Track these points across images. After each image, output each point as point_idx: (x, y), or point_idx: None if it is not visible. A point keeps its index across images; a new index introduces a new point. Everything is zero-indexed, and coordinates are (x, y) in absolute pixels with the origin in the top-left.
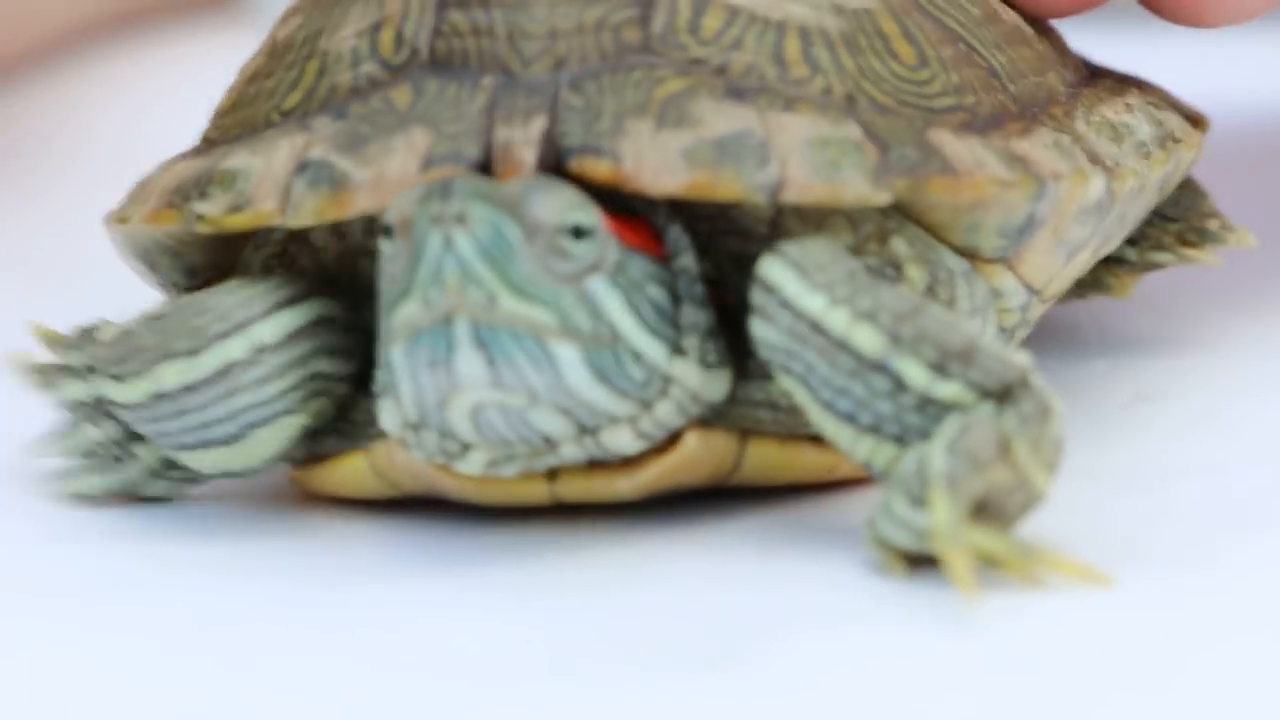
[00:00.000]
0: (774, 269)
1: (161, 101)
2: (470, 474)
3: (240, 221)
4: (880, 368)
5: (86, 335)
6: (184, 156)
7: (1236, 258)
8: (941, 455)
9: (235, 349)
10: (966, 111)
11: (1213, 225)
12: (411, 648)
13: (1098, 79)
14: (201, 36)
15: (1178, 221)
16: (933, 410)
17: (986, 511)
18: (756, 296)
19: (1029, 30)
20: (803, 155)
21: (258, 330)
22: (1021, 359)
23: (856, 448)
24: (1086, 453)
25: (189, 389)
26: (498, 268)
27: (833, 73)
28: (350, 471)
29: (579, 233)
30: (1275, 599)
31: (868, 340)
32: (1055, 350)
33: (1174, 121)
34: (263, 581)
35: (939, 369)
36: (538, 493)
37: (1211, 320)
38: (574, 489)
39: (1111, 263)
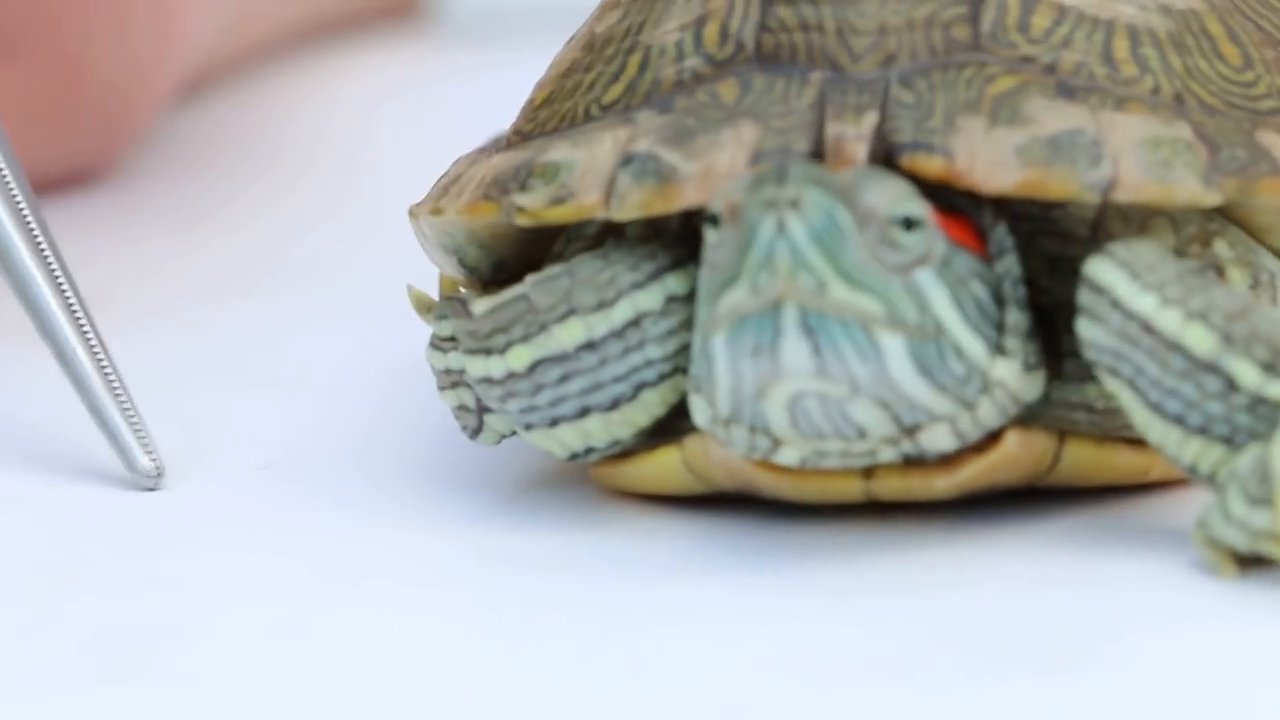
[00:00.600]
0: (1104, 270)
1: (351, 106)
2: (788, 465)
3: (562, 214)
4: (1213, 368)
5: (456, 306)
6: (495, 150)
7: None
8: None
9: (649, 299)
10: None
11: None
12: (731, 648)
13: None
14: (387, 44)
15: None
16: (1264, 410)
17: None
18: (1085, 297)
19: None
20: (1135, 155)
21: (668, 281)
22: None
23: (1184, 449)
24: None
25: (590, 346)
26: (829, 254)
27: (1161, 72)
28: (661, 466)
29: (909, 224)
30: None
31: (1200, 340)
32: None
33: None
34: (580, 577)
35: (1271, 369)
36: (853, 490)
37: None
38: (890, 486)
39: None
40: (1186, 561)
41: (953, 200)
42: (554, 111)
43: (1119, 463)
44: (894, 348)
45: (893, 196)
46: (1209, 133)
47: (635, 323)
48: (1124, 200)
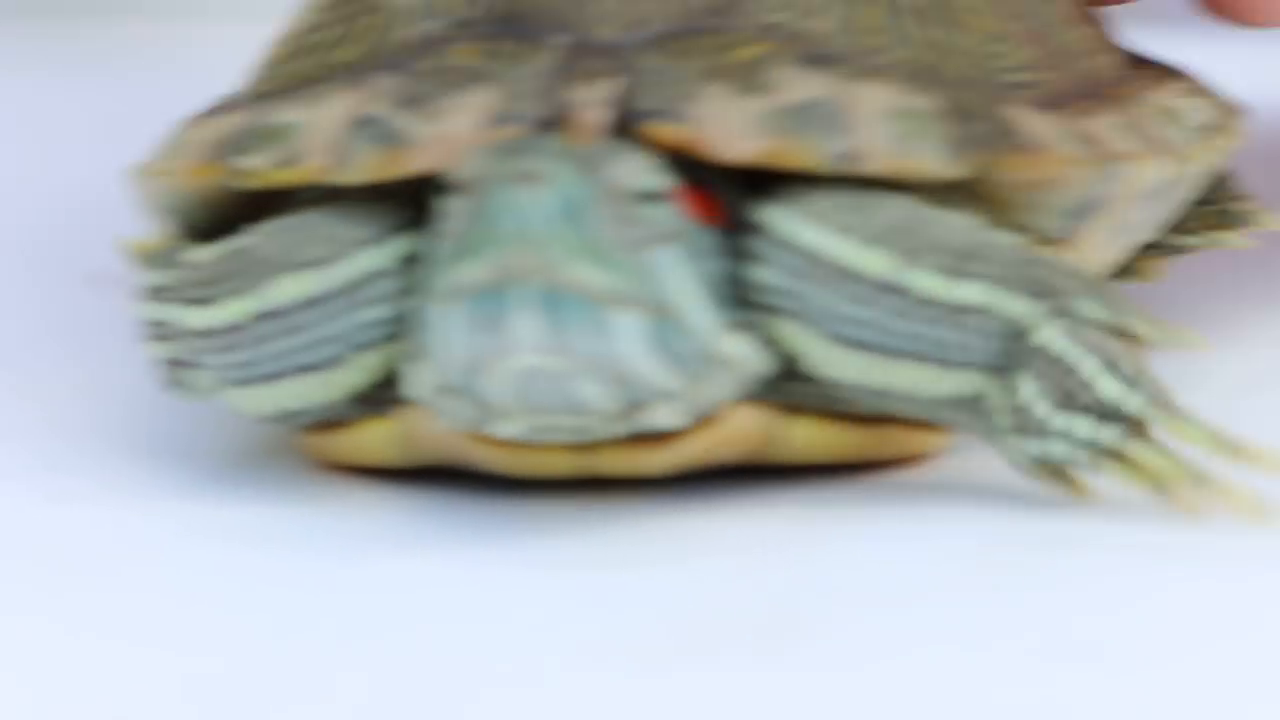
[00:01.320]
0: (773, 212)
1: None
2: (507, 439)
3: (289, 177)
4: (894, 288)
5: (176, 255)
6: (226, 109)
7: (1250, 255)
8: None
9: (373, 259)
10: (1038, 88)
11: (1242, 207)
12: (438, 625)
13: (1141, 65)
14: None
15: (1207, 204)
16: (971, 321)
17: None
18: (756, 243)
19: (1079, 13)
20: (879, 125)
21: (397, 243)
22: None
23: (893, 376)
24: None
25: (310, 303)
26: (566, 231)
27: (910, 44)
28: (372, 437)
29: (651, 198)
30: None
31: (877, 262)
32: None
33: (1217, 110)
34: (277, 550)
35: (955, 272)
36: (572, 465)
37: (1228, 311)
38: (611, 462)
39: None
40: (901, 540)
41: (700, 173)
42: (288, 70)
43: (846, 441)
44: (626, 325)
45: (635, 171)
46: (956, 105)
47: (358, 282)
48: (867, 172)
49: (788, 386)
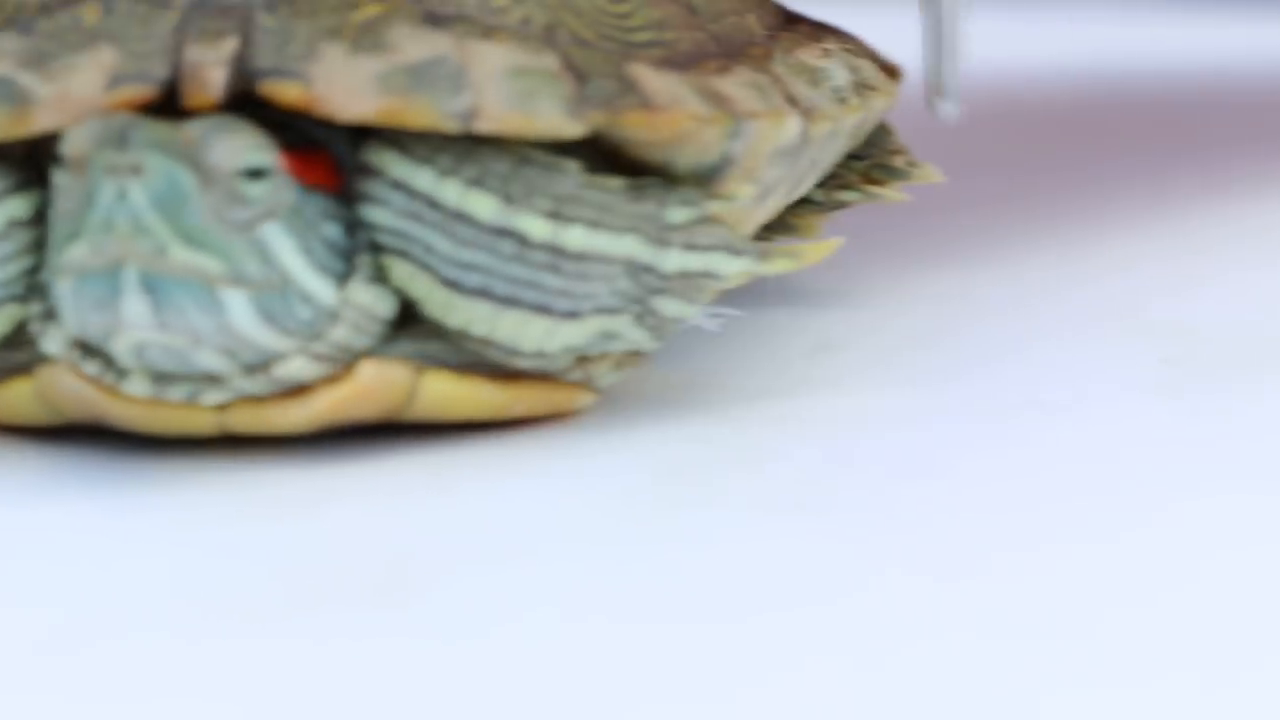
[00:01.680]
0: (380, 153)
1: None
2: (136, 396)
3: None
4: (502, 231)
5: None
6: None
7: (908, 214)
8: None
9: None
10: (666, 47)
11: (898, 162)
12: (62, 580)
13: (795, 24)
14: None
15: (864, 159)
16: (567, 266)
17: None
18: (365, 183)
19: None
20: (498, 84)
21: (10, 204)
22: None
23: (496, 326)
24: (770, 400)
25: None
26: (169, 218)
27: (533, 3)
28: (13, 396)
29: (256, 174)
30: (945, 538)
31: (483, 205)
32: (738, 302)
33: (869, 70)
34: None
35: (556, 216)
36: (205, 422)
37: (886, 272)
38: (244, 419)
39: (797, 204)
40: (530, 496)
41: (315, 134)
42: None
43: (481, 398)
44: (236, 302)
45: (238, 150)
46: (578, 64)
47: None
48: (486, 130)
49: (419, 343)
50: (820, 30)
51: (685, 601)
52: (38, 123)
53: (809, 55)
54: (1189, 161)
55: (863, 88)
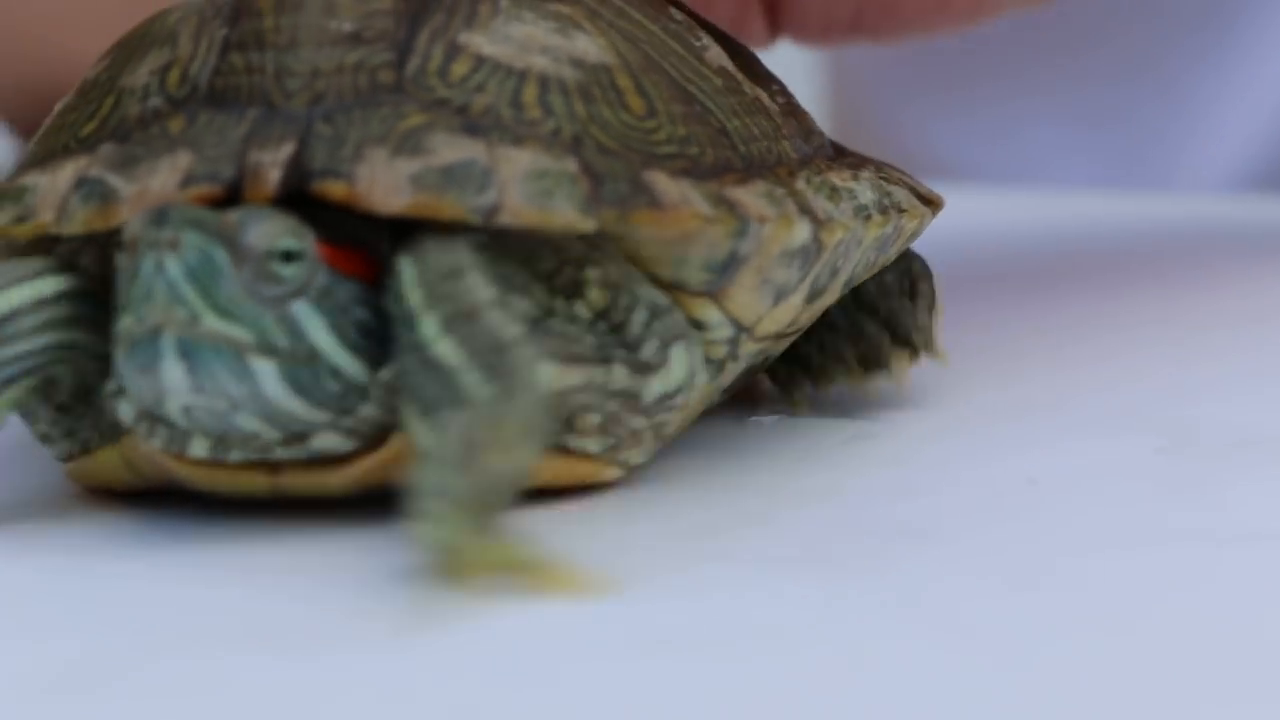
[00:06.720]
0: (402, 255)
1: None
2: (196, 458)
3: (25, 230)
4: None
5: None
6: None
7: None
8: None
9: (15, 298)
10: (688, 160)
11: (917, 339)
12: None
13: (841, 156)
14: None
15: (866, 339)
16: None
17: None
18: (391, 280)
19: (773, 105)
20: (521, 184)
21: (39, 284)
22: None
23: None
24: (797, 477)
25: None
26: (203, 289)
27: (564, 117)
28: (104, 463)
29: (290, 256)
30: (945, 595)
31: (414, 296)
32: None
33: (902, 194)
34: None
35: (448, 328)
36: (258, 484)
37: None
38: (294, 482)
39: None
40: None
41: (360, 234)
42: (43, 146)
43: None
44: (266, 371)
45: (272, 233)
46: (597, 169)
47: (7, 318)
48: (506, 223)
49: None
50: (864, 162)
51: (703, 640)
52: (119, 217)
53: (837, 177)
54: (1195, 290)
55: (891, 208)
